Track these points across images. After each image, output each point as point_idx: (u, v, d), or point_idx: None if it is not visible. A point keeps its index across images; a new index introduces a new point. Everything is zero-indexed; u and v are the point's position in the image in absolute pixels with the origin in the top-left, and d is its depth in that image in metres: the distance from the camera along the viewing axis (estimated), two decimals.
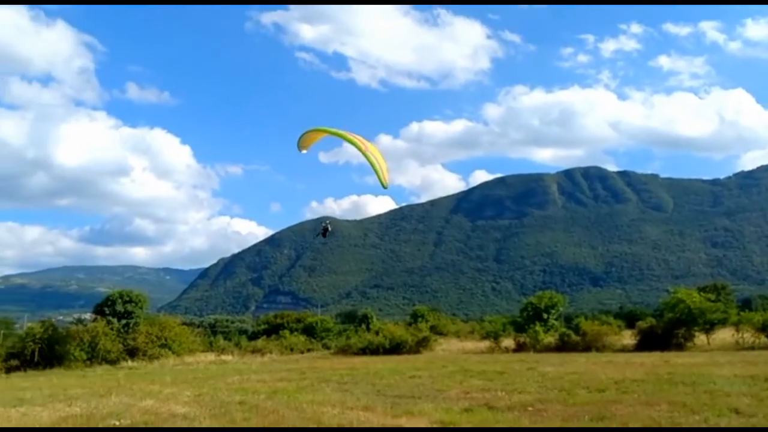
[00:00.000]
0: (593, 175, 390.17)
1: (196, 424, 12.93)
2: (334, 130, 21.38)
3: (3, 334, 54.81)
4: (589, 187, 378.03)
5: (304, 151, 22.71)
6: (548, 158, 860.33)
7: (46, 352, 40.53)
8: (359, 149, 21.28)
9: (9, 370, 38.46)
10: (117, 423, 13.48)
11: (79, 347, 42.51)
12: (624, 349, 40.16)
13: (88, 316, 59.88)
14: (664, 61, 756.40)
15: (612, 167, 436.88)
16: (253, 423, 12.76)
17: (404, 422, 12.36)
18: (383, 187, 22.46)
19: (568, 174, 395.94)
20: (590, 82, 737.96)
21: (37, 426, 13.51)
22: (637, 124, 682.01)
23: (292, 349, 53.57)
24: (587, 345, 40.64)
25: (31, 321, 67.39)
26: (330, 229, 29.90)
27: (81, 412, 15.50)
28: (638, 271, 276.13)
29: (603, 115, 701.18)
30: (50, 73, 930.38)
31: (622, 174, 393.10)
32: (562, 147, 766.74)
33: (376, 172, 21.86)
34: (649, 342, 40.12)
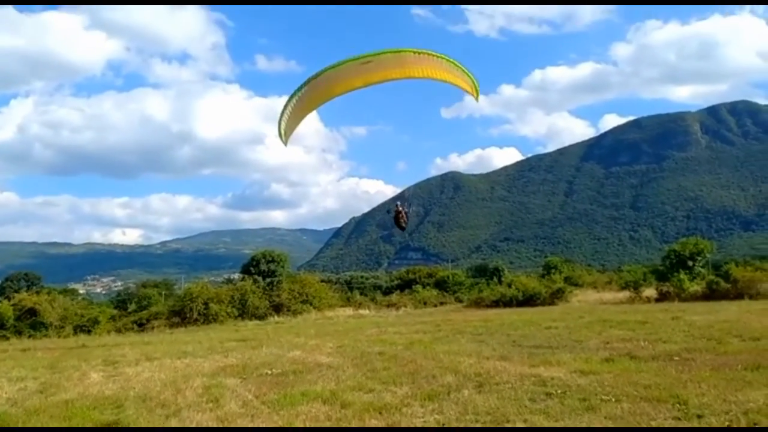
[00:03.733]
0: (741, 111, 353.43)
1: (340, 373, 13.68)
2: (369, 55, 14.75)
3: (165, 295, 60.77)
4: (737, 124, 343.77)
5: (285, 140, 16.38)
6: (687, 96, 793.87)
7: (203, 310, 44.37)
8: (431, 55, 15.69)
9: (172, 326, 42.62)
10: (269, 372, 14.57)
11: (231, 304, 46.13)
12: None
13: (236, 276, 64.70)
14: None
15: (763, 101, 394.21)
16: (393, 372, 13.27)
17: (542, 372, 12.28)
18: (477, 97, 17.99)
19: (712, 111, 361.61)
20: (733, 9, 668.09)
21: (199, 373, 14.95)
22: None
23: (425, 303, 54.62)
24: (739, 293, 37.70)
25: (187, 282, 73.97)
26: (406, 210, 19.70)
27: (237, 362, 16.93)
28: None
29: (750, 43, 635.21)
30: (186, 50, 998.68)
31: None
32: (704, 83, 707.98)
33: (468, 75, 16.41)
34: None
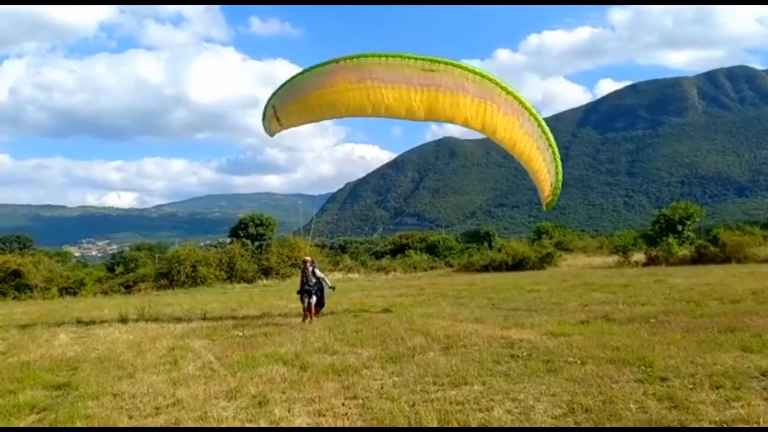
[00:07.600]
0: (739, 76, 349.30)
1: (309, 335, 13.43)
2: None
3: (158, 258, 60.51)
4: (734, 89, 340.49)
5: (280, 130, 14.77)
6: (684, 61, 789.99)
7: (191, 273, 44.14)
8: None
9: (159, 288, 42.39)
10: (240, 333, 14.32)
11: (219, 267, 45.92)
12: None
13: (228, 240, 64.35)
14: None
15: (760, 66, 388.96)
16: (364, 334, 13.03)
17: (513, 334, 12.03)
18: (548, 204, 16.77)
19: (710, 76, 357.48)
20: None
21: (169, 335, 14.69)
22: None
23: (415, 268, 54.47)
24: (727, 257, 37.64)
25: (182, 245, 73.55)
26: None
27: (210, 324, 16.68)
28: None
29: (747, 9, 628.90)
30: (180, 12, 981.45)
31: None
32: (701, 48, 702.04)
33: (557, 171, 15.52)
34: None
